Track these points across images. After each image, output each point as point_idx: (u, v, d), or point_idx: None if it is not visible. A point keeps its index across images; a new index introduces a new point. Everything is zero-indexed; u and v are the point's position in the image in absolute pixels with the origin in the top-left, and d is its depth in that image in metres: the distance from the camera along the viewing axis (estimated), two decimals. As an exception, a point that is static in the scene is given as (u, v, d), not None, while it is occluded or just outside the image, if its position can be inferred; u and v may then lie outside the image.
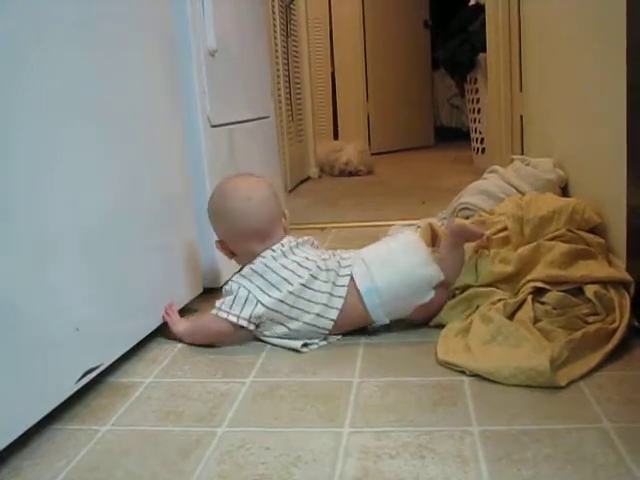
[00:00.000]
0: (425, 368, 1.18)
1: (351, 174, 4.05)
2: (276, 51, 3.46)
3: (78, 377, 1.09)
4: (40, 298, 1.01)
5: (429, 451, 0.90)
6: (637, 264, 1.32)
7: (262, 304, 1.30)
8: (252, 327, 1.32)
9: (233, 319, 1.30)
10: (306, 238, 1.44)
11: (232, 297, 1.32)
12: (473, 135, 3.95)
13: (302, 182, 3.92)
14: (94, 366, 1.14)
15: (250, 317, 1.30)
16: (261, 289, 1.32)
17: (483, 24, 3.28)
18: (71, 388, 1.08)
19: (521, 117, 3.02)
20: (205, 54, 1.68)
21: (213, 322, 1.33)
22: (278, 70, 3.49)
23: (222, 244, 1.44)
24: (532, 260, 1.39)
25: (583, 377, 1.10)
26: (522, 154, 2.78)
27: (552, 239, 1.45)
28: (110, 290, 1.21)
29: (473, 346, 1.19)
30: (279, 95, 3.50)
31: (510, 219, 1.54)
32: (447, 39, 3.94)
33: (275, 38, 3.46)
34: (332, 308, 1.31)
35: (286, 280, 1.32)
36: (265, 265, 1.34)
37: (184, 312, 1.55)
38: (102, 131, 1.21)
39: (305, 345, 1.31)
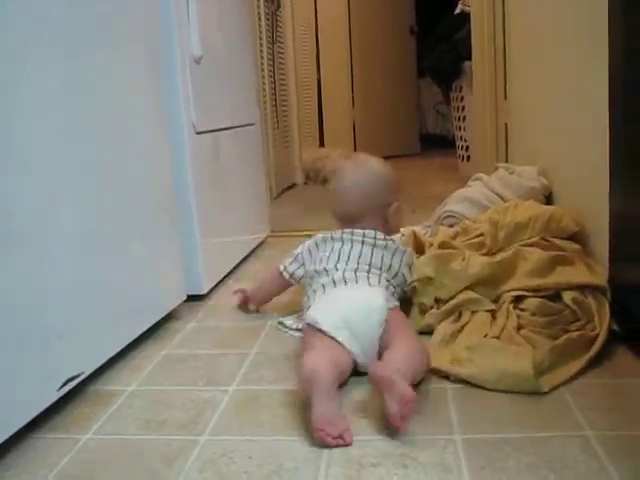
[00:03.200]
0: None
1: (337, 181, 4.05)
2: (262, 58, 3.47)
3: (59, 385, 1.08)
4: (22, 305, 1.00)
5: (411, 460, 0.90)
6: (619, 270, 1.33)
7: (304, 267, 1.47)
8: (293, 282, 1.52)
9: (281, 267, 1.52)
10: (392, 244, 1.42)
11: (294, 252, 1.52)
12: (458, 143, 3.97)
13: (288, 188, 3.92)
14: (76, 374, 1.13)
15: (293, 273, 1.50)
16: (310, 254, 1.47)
17: (469, 32, 3.30)
18: (52, 396, 1.07)
19: (506, 125, 3.04)
20: (190, 61, 1.68)
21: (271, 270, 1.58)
22: (264, 77, 3.49)
23: (332, 213, 1.53)
24: (511, 265, 1.40)
25: (565, 384, 1.11)
26: (507, 162, 2.80)
27: (526, 246, 1.45)
28: (93, 297, 1.20)
29: (458, 352, 1.20)
30: (265, 102, 3.50)
31: (487, 222, 1.55)
32: (433, 46, 3.96)
33: (261, 45, 3.47)
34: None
35: (320, 260, 1.41)
36: (323, 239, 1.46)
37: (167, 319, 1.54)
38: (90, 135, 1.21)
39: (280, 323, 1.49)
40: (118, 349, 1.30)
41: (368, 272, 1.34)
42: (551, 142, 2.04)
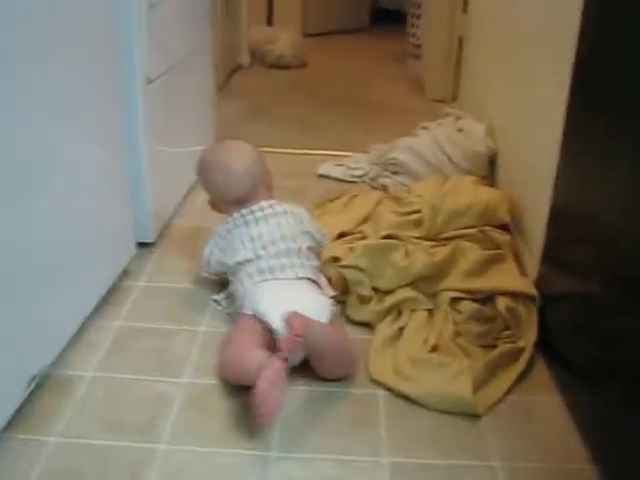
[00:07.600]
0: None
1: (284, 67, 4.00)
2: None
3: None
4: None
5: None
6: (543, 278, 1.45)
7: (217, 261, 1.49)
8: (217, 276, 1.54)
9: (205, 274, 1.56)
10: (289, 208, 1.50)
11: (202, 256, 1.52)
12: (410, 40, 3.91)
13: (233, 72, 3.81)
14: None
15: (214, 272, 1.54)
16: (220, 250, 1.49)
17: None
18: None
19: (460, 39, 3.06)
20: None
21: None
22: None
23: (212, 205, 1.60)
24: (450, 262, 1.51)
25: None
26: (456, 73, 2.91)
27: (463, 236, 1.58)
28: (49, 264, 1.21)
29: (401, 365, 1.30)
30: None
31: (426, 206, 1.64)
32: None
33: None
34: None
35: (233, 251, 1.45)
36: (227, 230, 1.49)
37: (127, 274, 1.59)
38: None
39: (215, 301, 1.52)
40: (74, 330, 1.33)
41: (288, 254, 1.40)
42: (501, 97, 2.07)
